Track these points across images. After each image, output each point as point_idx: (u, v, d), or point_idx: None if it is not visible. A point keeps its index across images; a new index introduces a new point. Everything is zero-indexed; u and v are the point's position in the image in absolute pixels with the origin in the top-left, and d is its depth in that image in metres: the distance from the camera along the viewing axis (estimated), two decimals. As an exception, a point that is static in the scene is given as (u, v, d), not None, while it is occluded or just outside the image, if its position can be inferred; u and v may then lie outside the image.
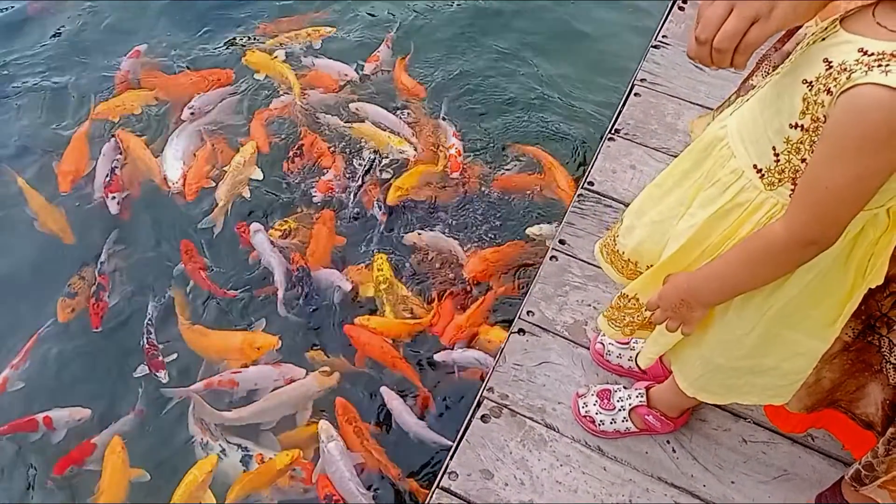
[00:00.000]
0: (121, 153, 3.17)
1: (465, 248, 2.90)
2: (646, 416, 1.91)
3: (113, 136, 3.24)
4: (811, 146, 1.08)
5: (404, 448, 2.47)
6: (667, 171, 1.46)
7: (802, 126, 1.08)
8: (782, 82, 1.12)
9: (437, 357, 2.61)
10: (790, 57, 1.15)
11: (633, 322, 1.58)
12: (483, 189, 3.10)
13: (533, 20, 3.85)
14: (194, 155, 3.19)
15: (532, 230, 2.96)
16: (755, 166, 1.19)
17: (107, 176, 3.07)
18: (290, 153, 3.19)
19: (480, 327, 2.68)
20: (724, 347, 1.43)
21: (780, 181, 1.16)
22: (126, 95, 3.41)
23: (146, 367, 2.61)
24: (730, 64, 1.06)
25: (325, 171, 3.13)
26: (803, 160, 1.10)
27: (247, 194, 3.10)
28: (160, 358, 2.63)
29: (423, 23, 3.83)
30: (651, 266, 1.52)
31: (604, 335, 2.09)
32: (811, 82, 1.04)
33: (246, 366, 2.61)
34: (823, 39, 1.06)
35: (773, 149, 1.14)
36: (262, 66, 3.56)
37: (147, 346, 2.65)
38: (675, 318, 1.38)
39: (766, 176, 1.18)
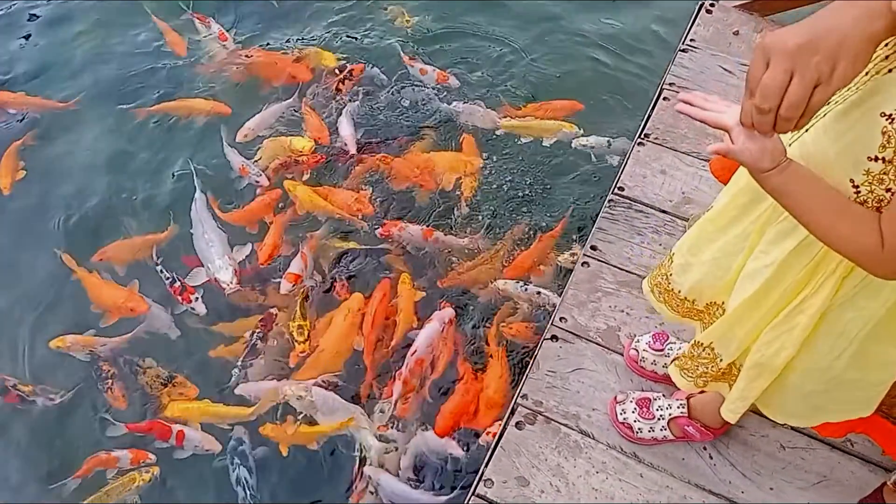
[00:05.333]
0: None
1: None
2: (686, 427, 1.90)
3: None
4: (895, 176, 1.06)
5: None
6: (720, 207, 1.44)
7: (884, 158, 1.06)
8: (853, 114, 1.10)
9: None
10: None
11: (706, 373, 1.54)
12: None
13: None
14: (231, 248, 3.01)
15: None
16: None
17: (174, 282, 2.88)
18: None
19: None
20: (815, 374, 1.39)
21: None
22: None
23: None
24: (794, 127, 1.04)
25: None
26: (888, 190, 1.08)
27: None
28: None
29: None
30: (714, 302, 1.50)
31: (638, 340, 2.09)
32: (891, 115, 1.03)
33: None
34: (891, 71, 1.04)
35: (852, 181, 1.12)
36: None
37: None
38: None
39: None
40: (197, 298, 2.85)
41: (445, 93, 3.52)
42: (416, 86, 3.53)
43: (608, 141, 3.24)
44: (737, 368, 1.50)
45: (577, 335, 2.18)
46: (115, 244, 3.03)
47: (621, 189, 2.51)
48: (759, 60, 1.01)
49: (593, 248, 2.37)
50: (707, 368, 1.53)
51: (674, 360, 1.63)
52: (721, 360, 1.49)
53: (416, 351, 2.61)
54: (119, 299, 2.84)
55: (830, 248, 1.16)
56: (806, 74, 0.98)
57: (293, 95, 3.48)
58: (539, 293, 2.78)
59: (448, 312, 2.73)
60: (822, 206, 1.13)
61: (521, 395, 2.09)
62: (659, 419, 1.94)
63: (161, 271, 2.93)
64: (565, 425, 2.03)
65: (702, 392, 1.89)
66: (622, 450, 1.97)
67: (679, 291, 1.57)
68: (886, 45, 1.05)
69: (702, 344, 1.51)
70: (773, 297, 1.33)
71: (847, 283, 1.24)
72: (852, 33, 0.97)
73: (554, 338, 2.18)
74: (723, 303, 1.49)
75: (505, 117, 3.39)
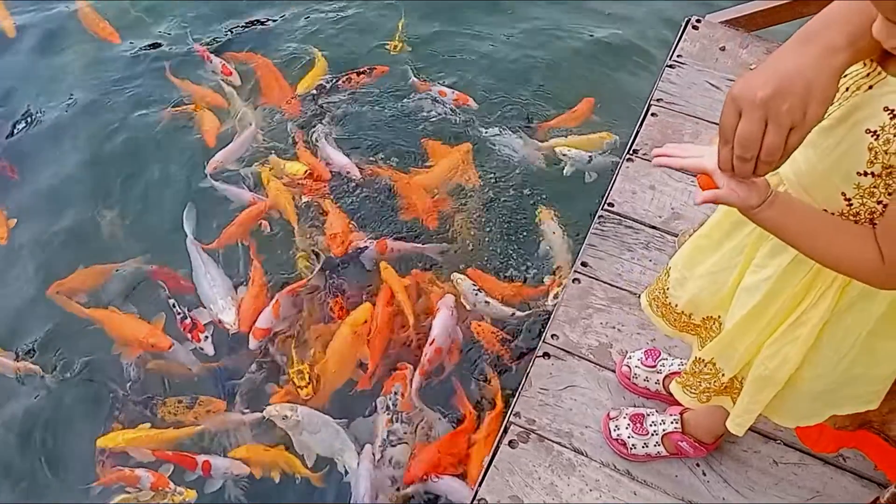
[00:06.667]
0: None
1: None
2: (679, 442, 1.90)
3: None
4: (886, 189, 1.08)
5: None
6: (714, 221, 1.46)
7: (873, 173, 1.08)
8: (838, 130, 1.11)
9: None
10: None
11: (709, 388, 1.54)
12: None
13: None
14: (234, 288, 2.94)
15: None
16: (825, 211, 1.18)
17: (185, 318, 2.81)
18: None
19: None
20: (821, 379, 1.40)
21: (856, 223, 1.15)
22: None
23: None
24: (773, 168, 1.06)
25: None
26: (879, 202, 1.10)
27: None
28: None
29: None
30: (710, 316, 1.50)
31: (630, 357, 2.09)
32: (876, 132, 1.04)
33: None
34: (871, 87, 1.06)
35: (843, 194, 1.13)
36: None
37: None
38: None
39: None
40: (206, 338, 2.77)
41: (463, 114, 3.53)
42: (437, 102, 3.55)
43: (590, 156, 3.25)
44: (739, 382, 1.51)
45: (568, 352, 2.18)
46: (75, 274, 2.96)
47: (611, 205, 2.51)
48: (730, 110, 1.03)
49: (584, 264, 2.37)
50: (710, 384, 1.53)
51: (671, 375, 1.62)
52: (723, 375, 1.49)
53: (433, 340, 2.61)
54: (140, 334, 2.75)
55: (830, 269, 1.17)
56: (780, 122, 1.00)
57: (255, 119, 3.44)
58: (488, 303, 2.79)
59: (451, 298, 2.76)
60: (815, 231, 1.14)
61: (513, 413, 2.08)
62: (653, 435, 1.93)
63: (174, 306, 2.85)
64: (558, 443, 2.02)
65: None
66: (615, 467, 1.97)
67: (676, 305, 1.57)
68: (865, 64, 1.07)
69: (703, 360, 1.51)
70: (771, 310, 1.34)
71: (848, 293, 1.25)
72: (817, 74, 0.99)
73: (546, 355, 2.18)
74: (719, 317, 1.49)
75: (545, 141, 3.39)
